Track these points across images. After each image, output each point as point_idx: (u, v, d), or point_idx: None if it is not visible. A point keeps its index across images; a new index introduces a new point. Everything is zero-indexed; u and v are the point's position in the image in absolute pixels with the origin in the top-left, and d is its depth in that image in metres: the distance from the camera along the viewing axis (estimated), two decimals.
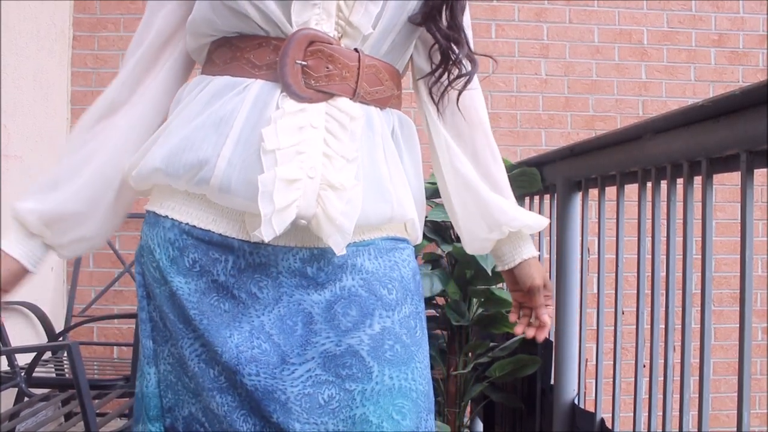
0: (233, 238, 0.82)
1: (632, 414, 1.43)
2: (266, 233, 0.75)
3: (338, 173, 0.78)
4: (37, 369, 2.31)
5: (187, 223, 0.83)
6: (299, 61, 0.79)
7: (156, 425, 0.85)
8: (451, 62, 0.89)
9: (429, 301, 2.21)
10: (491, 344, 2.19)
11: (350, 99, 0.81)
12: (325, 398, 0.80)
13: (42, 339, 2.72)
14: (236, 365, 0.79)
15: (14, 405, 2.35)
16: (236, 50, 0.83)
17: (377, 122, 0.85)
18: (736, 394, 1.05)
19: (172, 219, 0.84)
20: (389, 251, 0.87)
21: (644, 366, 1.40)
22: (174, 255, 0.83)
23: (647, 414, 1.36)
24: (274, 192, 0.74)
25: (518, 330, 1.05)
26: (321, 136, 0.78)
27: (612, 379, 1.53)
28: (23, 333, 2.69)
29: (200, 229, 0.82)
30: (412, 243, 0.93)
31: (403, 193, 0.87)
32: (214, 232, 0.82)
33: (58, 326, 2.86)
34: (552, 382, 1.81)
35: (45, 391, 2.32)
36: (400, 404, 0.81)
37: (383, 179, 0.84)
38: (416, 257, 0.94)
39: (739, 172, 1.06)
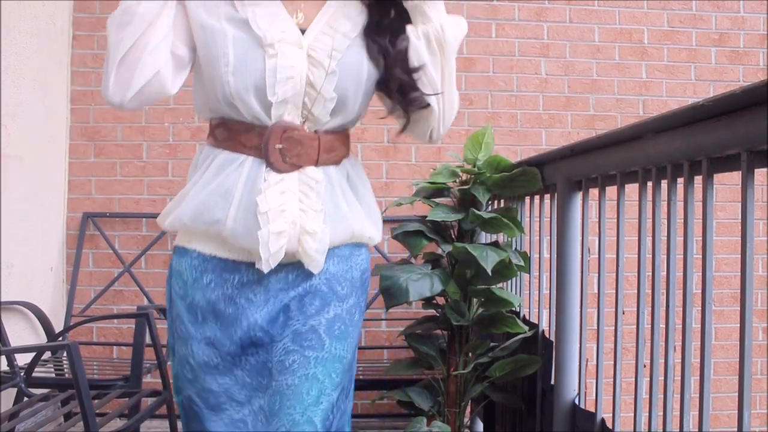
0: (242, 261, 1.16)
1: (633, 414, 1.43)
2: (265, 269, 1.13)
3: (311, 222, 1.13)
4: (36, 369, 2.31)
5: (208, 254, 1.17)
6: (278, 146, 1.13)
7: (177, 397, 1.22)
8: (406, 97, 1.22)
9: (429, 301, 2.21)
10: (491, 344, 2.19)
11: (314, 166, 1.16)
12: (289, 362, 1.13)
13: (41, 339, 2.72)
14: (241, 350, 1.15)
15: (14, 405, 2.35)
16: (231, 131, 1.16)
17: (335, 177, 1.19)
18: (736, 394, 1.04)
19: (198, 251, 1.18)
20: (348, 258, 1.23)
21: (645, 366, 1.39)
22: (196, 276, 1.18)
23: (648, 414, 1.36)
24: (269, 242, 1.10)
25: None
26: (297, 197, 1.14)
27: (612, 379, 1.53)
28: (23, 333, 2.69)
29: (218, 258, 1.17)
30: (373, 243, 1.27)
31: (361, 221, 1.22)
32: (228, 259, 1.16)
33: (58, 326, 2.86)
34: (552, 382, 1.81)
35: (44, 391, 2.31)
36: (337, 366, 1.17)
37: (345, 216, 1.19)
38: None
39: (740, 172, 1.06)
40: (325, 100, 1.14)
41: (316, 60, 1.13)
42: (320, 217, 1.14)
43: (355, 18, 1.19)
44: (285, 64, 1.11)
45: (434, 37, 1.17)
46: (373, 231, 1.25)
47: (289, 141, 1.13)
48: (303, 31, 1.15)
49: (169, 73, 1.13)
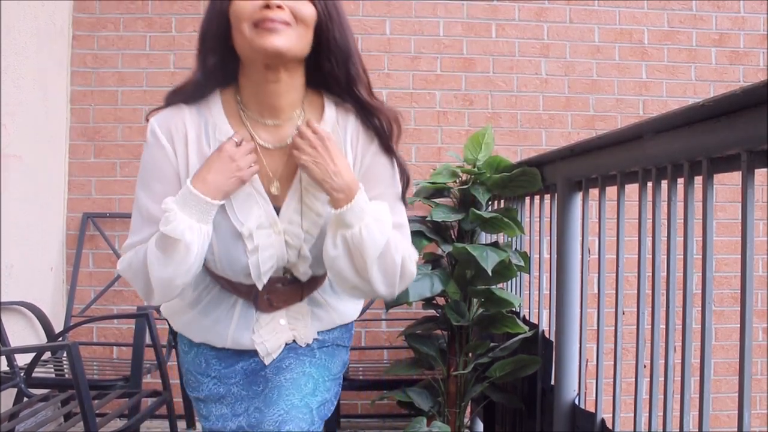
0: (242, 350, 1.30)
1: (633, 414, 1.43)
2: (267, 363, 1.29)
3: (304, 339, 1.30)
4: (36, 369, 2.31)
5: (219, 346, 1.31)
6: (266, 297, 1.27)
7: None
8: None
9: (429, 301, 2.21)
10: (491, 344, 2.19)
11: (299, 302, 1.30)
12: (286, 365, 1.27)
13: (41, 339, 2.72)
14: (248, 375, 1.30)
15: (14, 405, 2.35)
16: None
17: (319, 297, 1.33)
18: (736, 395, 1.04)
19: (206, 344, 1.32)
20: None
21: (645, 366, 1.39)
22: (200, 344, 1.33)
23: (648, 414, 1.36)
24: (272, 355, 1.29)
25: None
26: (288, 328, 1.29)
27: (612, 380, 1.53)
28: (23, 333, 2.69)
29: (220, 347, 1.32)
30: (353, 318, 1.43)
31: (343, 315, 1.37)
32: (228, 349, 1.31)
33: (58, 326, 2.86)
34: (552, 382, 1.81)
35: (44, 391, 2.31)
36: (327, 374, 1.31)
37: (333, 320, 1.35)
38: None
39: (740, 172, 1.06)
40: (303, 265, 1.25)
41: (291, 245, 1.23)
42: (312, 332, 1.31)
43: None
44: (265, 257, 1.21)
45: (350, 241, 1.17)
46: (354, 314, 1.41)
47: (275, 293, 1.27)
48: (278, 209, 1.21)
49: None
